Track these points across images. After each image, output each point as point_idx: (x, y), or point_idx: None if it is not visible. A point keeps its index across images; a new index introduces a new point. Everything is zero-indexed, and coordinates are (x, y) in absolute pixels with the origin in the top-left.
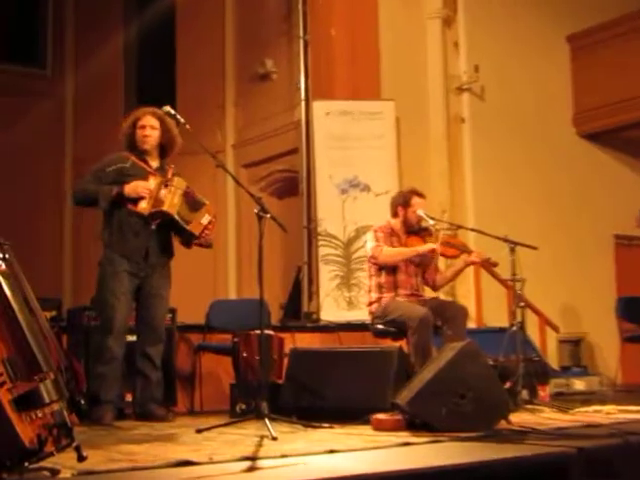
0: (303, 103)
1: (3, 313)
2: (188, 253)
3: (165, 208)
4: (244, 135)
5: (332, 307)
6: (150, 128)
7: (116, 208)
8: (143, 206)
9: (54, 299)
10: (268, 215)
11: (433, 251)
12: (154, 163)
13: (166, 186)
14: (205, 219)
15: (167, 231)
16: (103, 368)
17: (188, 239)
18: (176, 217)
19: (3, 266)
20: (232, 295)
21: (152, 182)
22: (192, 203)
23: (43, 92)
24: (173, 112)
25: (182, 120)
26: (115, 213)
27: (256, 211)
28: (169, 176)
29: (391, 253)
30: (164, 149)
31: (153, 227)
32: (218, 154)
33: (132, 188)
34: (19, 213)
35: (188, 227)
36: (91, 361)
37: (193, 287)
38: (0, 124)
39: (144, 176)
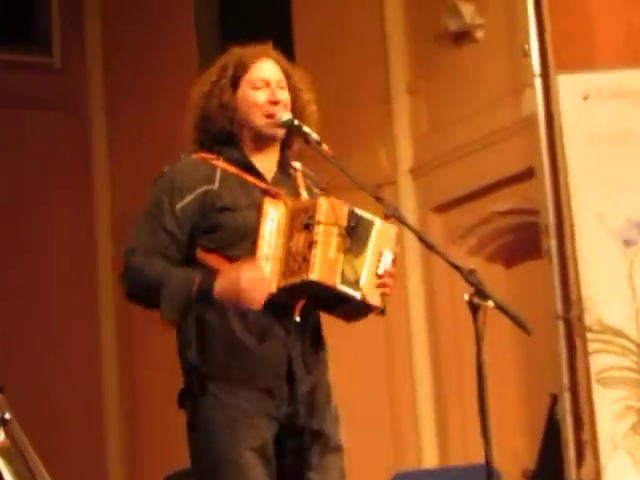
0: (538, 81)
1: None
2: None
3: (315, 276)
4: (430, 150)
5: (626, 469)
6: (278, 87)
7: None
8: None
9: None
10: (490, 303)
11: None
12: (268, 166)
13: (307, 227)
14: (384, 263)
15: (317, 314)
16: None
17: (356, 312)
18: (340, 288)
19: (2, 436)
20: (428, 457)
21: (271, 234)
22: (357, 238)
23: (48, 94)
24: (297, 122)
25: (315, 137)
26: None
27: (467, 297)
28: (304, 196)
29: None
30: (286, 135)
31: (297, 319)
32: (383, 189)
33: (229, 285)
34: (24, 307)
35: (359, 295)
36: None
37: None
38: None
39: (254, 204)
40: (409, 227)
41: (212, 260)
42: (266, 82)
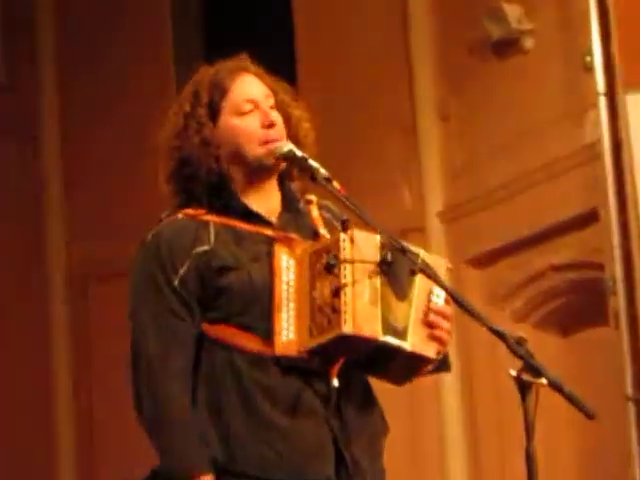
0: (602, 101)
1: None
2: None
3: (349, 328)
4: (465, 189)
5: None
6: (268, 106)
7: (213, 350)
8: (287, 340)
9: None
10: (543, 380)
11: None
12: (270, 206)
13: (331, 270)
14: (436, 304)
15: (361, 377)
16: None
17: (407, 369)
18: (383, 340)
19: None
20: None
21: (289, 288)
22: (397, 276)
23: None
24: (300, 153)
25: (324, 172)
26: (216, 363)
27: (514, 373)
28: (324, 234)
29: None
30: (287, 169)
31: (335, 384)
32: (408, 237)
33: None
34: None
35: (408, 345)
36: None
37: None
38: None
39: (261, 256)
40: (440, 284)
41: (221, 332)
42: (254, 103)
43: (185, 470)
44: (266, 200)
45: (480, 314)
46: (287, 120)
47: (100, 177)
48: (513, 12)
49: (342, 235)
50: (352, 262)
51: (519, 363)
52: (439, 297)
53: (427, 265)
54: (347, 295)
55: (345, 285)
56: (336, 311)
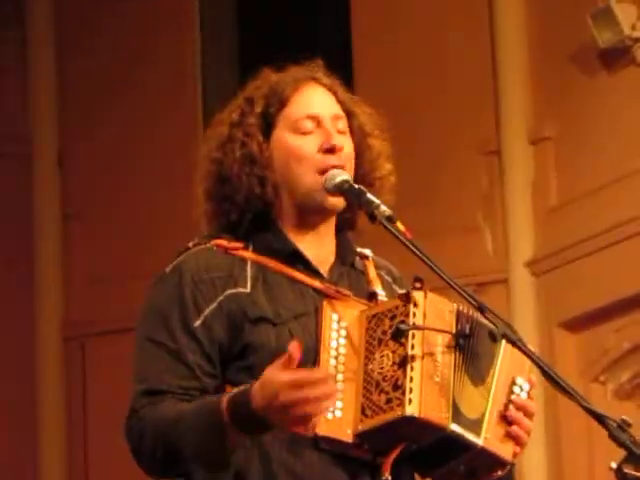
0: None
1: None
2: None
3: (415, 410)
4: (560, 232)
5: None
6: (334, 127)
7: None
8: (333, 418)
9: None
10: None
11: None
12: (322, 254)
13: (397, 337)
14: (518, 397)
15: (411, 475)
16: None
17: (472, 471)
18: (452, 429)
19: None
20: None
21: (338, 355)
22: (475, 355)
23: None
24: (357, 186)
25: (385, 210)
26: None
27: (616, 465)
28: (382, 296)
29: None
30: (347, 208)
31: (386, 479)
32: (487, 291)
33: (268, 397)
34: None
35: (480, 441)
36: None
37: None
38: None
39: (306, 313)
40: (528, 354)
41: None
42: (316, 120)
43: (217, 420)
44: (318, 245)
45: (574, 390)
46: (362, 152)
47: (111, 213)
48: (626, 15)
49: (415, 294)
50: (425, 329)
51: (622, 453)
52: (522, 389)
53: (513, 331)
54: (414, 370)
55: (413, 357)
56: (399, 388)
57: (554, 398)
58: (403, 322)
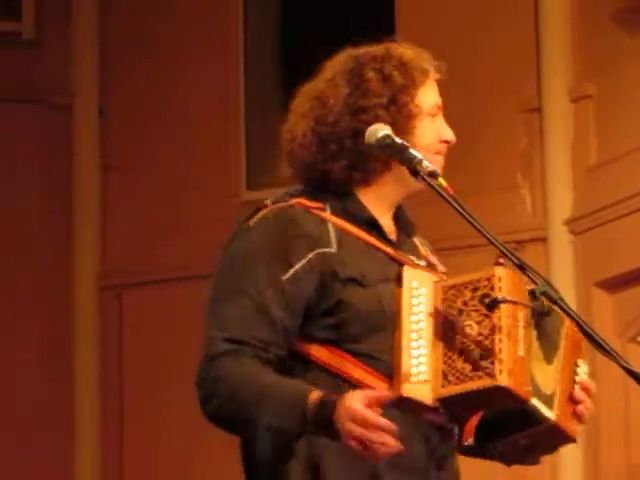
0: None
1: None
2: None
3: (505, 380)
4: (600, 192)
5: None
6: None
7: (315, 378)
8: (418, 381)
9: None
10: None
11: None
12: (389, 224)
13: (488, 307)
14: (581, 376)
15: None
16: None
17: (538, 445)
18: (533, 404)
19: None
20: None
21: (419, 321)
22: (545, 333)
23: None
24: (399, 140)
25: (427, 165)
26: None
27: None
28: (441, 268)
29: None
30: None
31: (470, 442)
32: (526, 249)
33: (345, 419)
34: None
35: (554, 416)
36: None
37: None
38: None
39: (388, 279)
40: (569, 314)
41: (333, 358)
42: (441, 110)
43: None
44: (387, 215)
45: (613, 350)
46: None
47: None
48: None
49: (497, 270)
50: (516, 303)
51: None
52: (584, 370)
53: (553, 290)
54: (503, 342)
55: (501, 329)
56: (487, 357)
57: (594, 368)
58: (487, 295)
